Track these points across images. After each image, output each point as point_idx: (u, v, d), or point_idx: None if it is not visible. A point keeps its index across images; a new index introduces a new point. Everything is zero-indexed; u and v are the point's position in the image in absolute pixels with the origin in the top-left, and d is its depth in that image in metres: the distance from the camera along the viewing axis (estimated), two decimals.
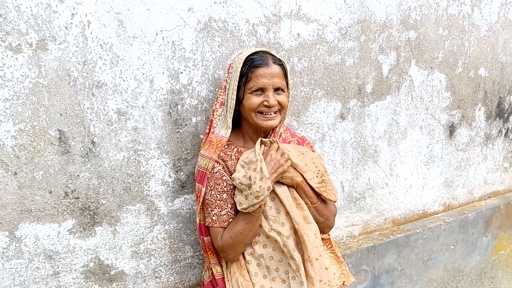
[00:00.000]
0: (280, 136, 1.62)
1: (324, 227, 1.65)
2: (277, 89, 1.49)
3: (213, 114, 1.56)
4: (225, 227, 1.50)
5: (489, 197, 3.05)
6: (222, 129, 1.52)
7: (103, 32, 1.50)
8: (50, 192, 1.52)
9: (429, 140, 2.59)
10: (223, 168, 1.51)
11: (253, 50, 1.53)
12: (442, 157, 2.68)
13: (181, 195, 1.78)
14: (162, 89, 1.65)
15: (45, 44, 1.41)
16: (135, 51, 1.57)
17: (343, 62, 2.11)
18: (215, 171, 1.50)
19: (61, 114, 1.48)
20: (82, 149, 1.54)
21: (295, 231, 1.53)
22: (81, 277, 1.65)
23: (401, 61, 2.32)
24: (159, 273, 1.81)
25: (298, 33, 1.93)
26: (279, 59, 1.52)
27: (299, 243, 1.55)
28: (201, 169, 1.52)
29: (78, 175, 1.56)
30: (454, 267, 2.82)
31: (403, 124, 2.44)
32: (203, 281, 1.71)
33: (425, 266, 2.66)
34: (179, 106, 1.70)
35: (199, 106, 1.75)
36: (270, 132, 1.60)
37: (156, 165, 1.70)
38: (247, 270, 1.54)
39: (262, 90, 1.48)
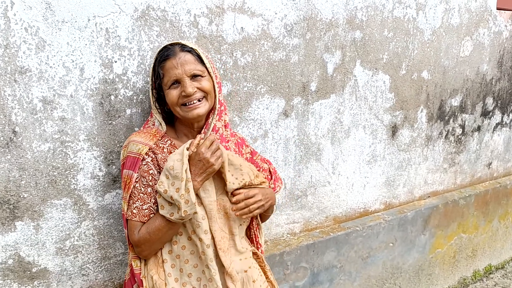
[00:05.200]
0: (217, 131, 1.56)
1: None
2: (194, 76, 1.44)
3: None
4: (145, 222, 1.43)
5: (429, 196, 3.15)
6: (159, 126, 1.53)
7: (28, 14, 1.40)
8: None
9: (372, 140, 2.63)
10: (152, 161, 1.45)
11: (163, 46, 1.50)
12: (384, 157, 2.73)
13: (113, 190, 1.70)
14: (94, 78, 1.57)
15: None
16: (64, 37, 1.48)
17: (287, 59, 2.09)
18: (143, 164, 1.44)
19: None
20: (1, 138, 1.44)
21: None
22: None
23: (346, 61, 2.33)
24: (86, 271, 1.72)
25: (242, 27, 1.89)
26: (190, 47, 1.47)
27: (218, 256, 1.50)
28: (132, 155, 1.44)
29: None
30: (393, 264, 2.89)
31: (347, 123, 2.46)
32: (125, 279, 1.63)
33: (364, 263, 2.71)
34: (112, 97, 1.62)
35: (135, 97, 1.67)
36: (204, 126, 1.54)
37: (85, 158, 1.62)
38: (163, 269, 1.48)
39: (177, 82, 1.43)
